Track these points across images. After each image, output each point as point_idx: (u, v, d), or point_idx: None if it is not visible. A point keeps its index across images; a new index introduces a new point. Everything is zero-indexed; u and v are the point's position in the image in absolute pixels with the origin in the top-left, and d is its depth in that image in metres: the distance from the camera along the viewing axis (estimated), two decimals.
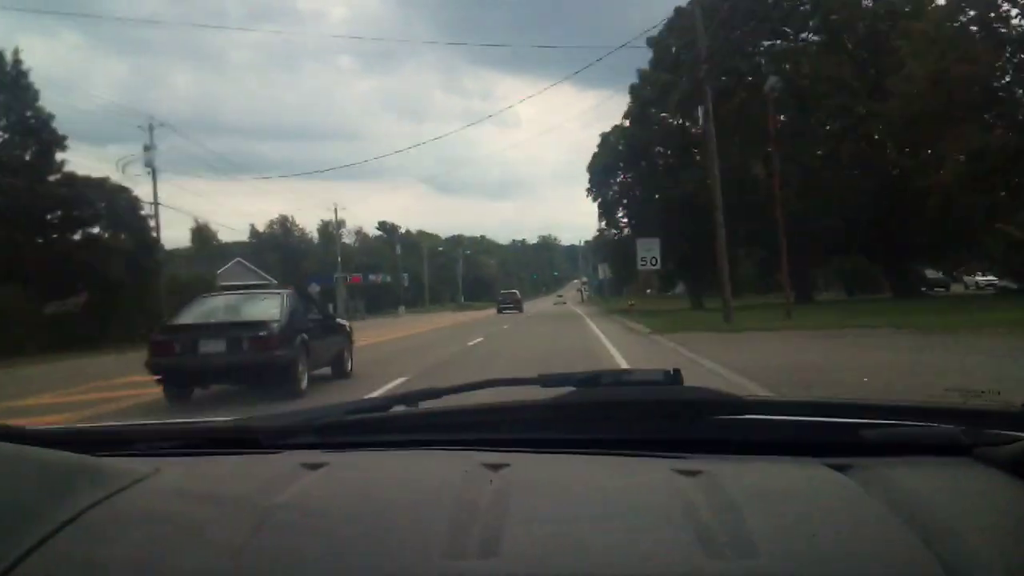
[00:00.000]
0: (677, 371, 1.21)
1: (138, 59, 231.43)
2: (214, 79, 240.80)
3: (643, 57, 40.14)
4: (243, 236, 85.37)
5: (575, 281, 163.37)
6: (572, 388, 1.18)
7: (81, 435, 1.32)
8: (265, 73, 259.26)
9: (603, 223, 47.50)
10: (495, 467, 0.98)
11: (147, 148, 34.34)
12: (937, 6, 29.11)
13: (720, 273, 21.95)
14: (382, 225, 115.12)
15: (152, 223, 32.34)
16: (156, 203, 33.00)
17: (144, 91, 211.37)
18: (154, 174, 33.76)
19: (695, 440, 1.09)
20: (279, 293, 10.47)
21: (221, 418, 1.34)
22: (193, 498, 0.96)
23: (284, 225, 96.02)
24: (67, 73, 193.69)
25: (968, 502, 0.87)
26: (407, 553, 0.76)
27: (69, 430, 1.39)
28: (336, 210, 67.51)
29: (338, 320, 12.56)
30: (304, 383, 9.45)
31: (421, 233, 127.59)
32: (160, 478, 1.00)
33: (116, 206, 29.38)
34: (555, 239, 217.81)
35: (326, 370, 11.07)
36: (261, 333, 9.02)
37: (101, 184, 29.34)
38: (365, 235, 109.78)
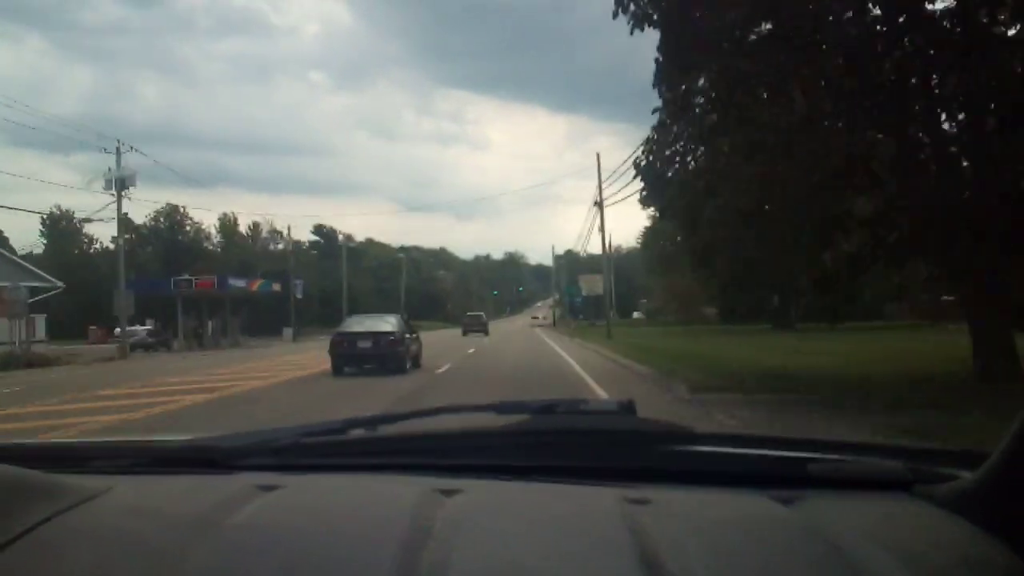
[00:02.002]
0: (631, 401, 1.24)
1: (107, 67, 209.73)
2: (183, 90, 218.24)
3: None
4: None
5: (539, 304, 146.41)
6: (528, 416, 1.21)
7: (34, 451, 1.36)
8: (237, 88, 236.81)
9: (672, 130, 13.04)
10: (448, 493, 0.98)
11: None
12: None
13: None
14: (318, 230, 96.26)
15: None
16: None
17: (114, 101, 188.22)
18: None
19: (646, 469, 1.10)
20: (395, 316, 20.55)
21: (178, 437, 1.34)
22: (146, 517, 0.95)
23: (172, 218, 73.82)
24: (34, 80, 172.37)
25: (905, 536, 0.89)
26: None
27: (22, 445, 1.44)
28: (113, 170, 32.14)
29: (416, 333, 20.21)
30: (407, 366, 18.03)
31: (370, 242, 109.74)
32: (113, 496, 1.00)
33: None
34: (522, 256, 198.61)
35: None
36: (391, 337, 17.91)
37: None
38: (282, 235, 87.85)
